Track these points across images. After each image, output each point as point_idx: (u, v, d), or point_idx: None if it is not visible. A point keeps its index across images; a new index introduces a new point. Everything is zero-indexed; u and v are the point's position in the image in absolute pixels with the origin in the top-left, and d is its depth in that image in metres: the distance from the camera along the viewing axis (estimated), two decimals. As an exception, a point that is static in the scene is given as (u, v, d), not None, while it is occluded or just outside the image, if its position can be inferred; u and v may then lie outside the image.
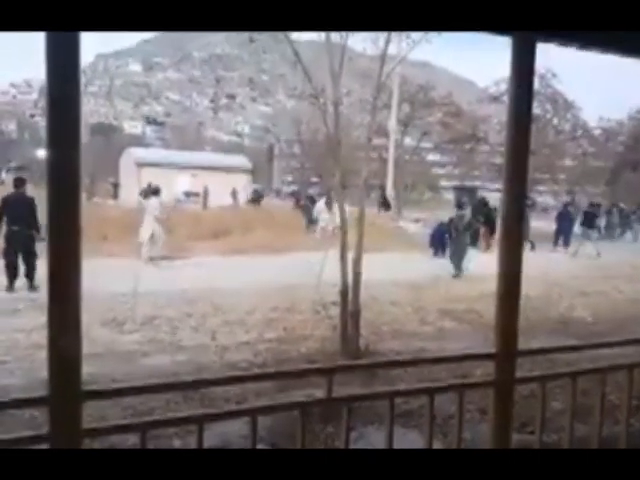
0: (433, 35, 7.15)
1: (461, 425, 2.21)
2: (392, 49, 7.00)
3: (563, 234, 18.21)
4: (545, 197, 35.93)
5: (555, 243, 18.06)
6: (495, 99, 30.64)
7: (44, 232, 1.71)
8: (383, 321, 7.48)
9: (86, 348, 1.66)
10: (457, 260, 12.00)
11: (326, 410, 3.34)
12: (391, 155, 25.92)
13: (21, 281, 8.82)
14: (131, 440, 1.79)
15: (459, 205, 13.37)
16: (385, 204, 26.25)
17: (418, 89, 30.62)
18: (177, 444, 3.59)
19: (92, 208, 18.63)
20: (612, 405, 3.02)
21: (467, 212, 13.34)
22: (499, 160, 33.31)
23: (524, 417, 3.40)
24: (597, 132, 36.10)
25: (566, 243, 17.88)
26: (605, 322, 7.76)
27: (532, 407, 2.52)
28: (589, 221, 17.13)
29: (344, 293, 5.93)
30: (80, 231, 1.60)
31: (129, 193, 27.99)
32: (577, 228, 18.06)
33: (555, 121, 33.71)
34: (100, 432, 1.79)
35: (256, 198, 29.34)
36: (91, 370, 4.92)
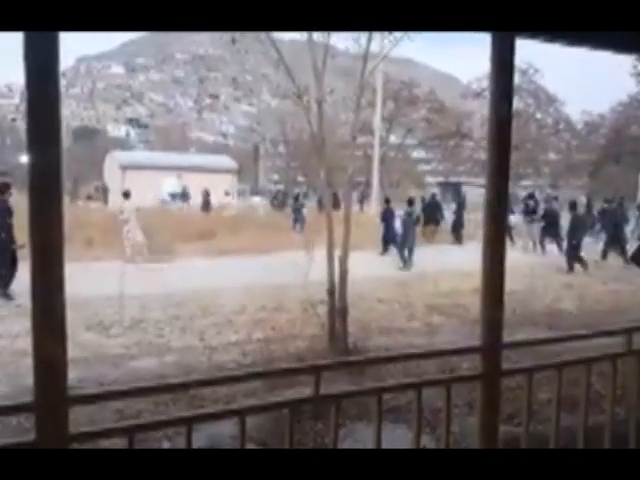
0: (415, 32, 7.17)
1: (449, 419, 2.22)
2: (374, 47, 7.01)
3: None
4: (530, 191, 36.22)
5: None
6: (478, 95, 30.88)
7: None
8: (371, 318, 7.51)
9: (72, 352, 1.66)
10: (403, 253, 12.90)
11: (315, 408, 3.35)
12: (376, 152, 25.96)
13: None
14: (119, 444, 1.77)
15: (409, 202, 14.07)
16: (335, 202, 24.79)
17: (401, 86, 30.76)
18: (166, 446, 3.57)
19: (76, 211, 18.45)
20: (598, 395, 3.06)
21: (415, 209, 14.14)
22: (483, 156, 33.47)
23: (511, 409, 3.43)
24: (580, 126, 36.50)
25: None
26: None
27: (519, 399, 2.55)
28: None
29: (331, 291, 5.93)
30: (63, 234, 1.59)
31: (114, 196, 27.75)
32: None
33: (538, 115, 34.07)
34: (87, 436, 1.77)
35: (206, 202, 24.08)
36: (78, 375, 4.89)
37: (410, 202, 14.09)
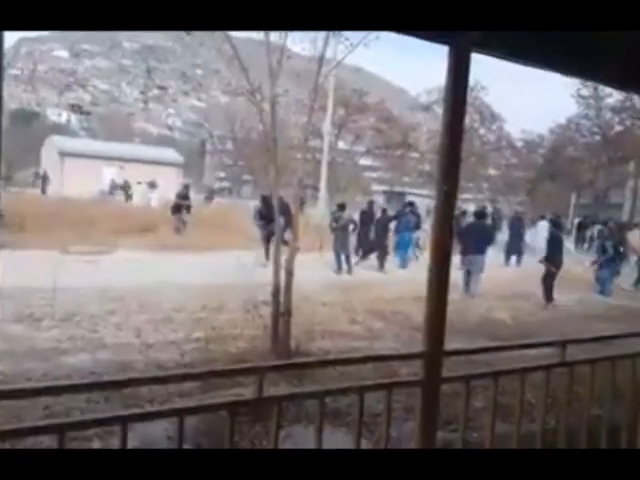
0: (371, 39, 7.23)
1: (389, 423, 2.24)
2: (329, 51, 7.01)
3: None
4: (469, 205, 37.42)
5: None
6: (426, 108, 31.61)
7: None
8: (314, 321, 7.51)
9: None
10: (339, 259, 12.94)
11: (253, 410, 3.30)
12: (325, 157, 26.08)
13: None
14: (48, 442, 1.69)
15: (340, 207, 14.00)
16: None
17: (352, 93, 31.08)
18: (97, 446, 3.43)
19: (9, 198, 17.58)
20: (529, 404, 3.16)
21: (345, 214, 13.82)
22: (428, 167, 34.39)
23: (446, 416, 3.50)
24: (520, 144, 38.00)
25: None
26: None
27: (455, 406, 2.60)
28: None
29: (275, 292, 5.89)
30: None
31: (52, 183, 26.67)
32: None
33: (481, 131, 35.20)
34: (14, 434, 1.67)
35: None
36: (4, 368, 4.65)
37: (341, 207, 13.96)
